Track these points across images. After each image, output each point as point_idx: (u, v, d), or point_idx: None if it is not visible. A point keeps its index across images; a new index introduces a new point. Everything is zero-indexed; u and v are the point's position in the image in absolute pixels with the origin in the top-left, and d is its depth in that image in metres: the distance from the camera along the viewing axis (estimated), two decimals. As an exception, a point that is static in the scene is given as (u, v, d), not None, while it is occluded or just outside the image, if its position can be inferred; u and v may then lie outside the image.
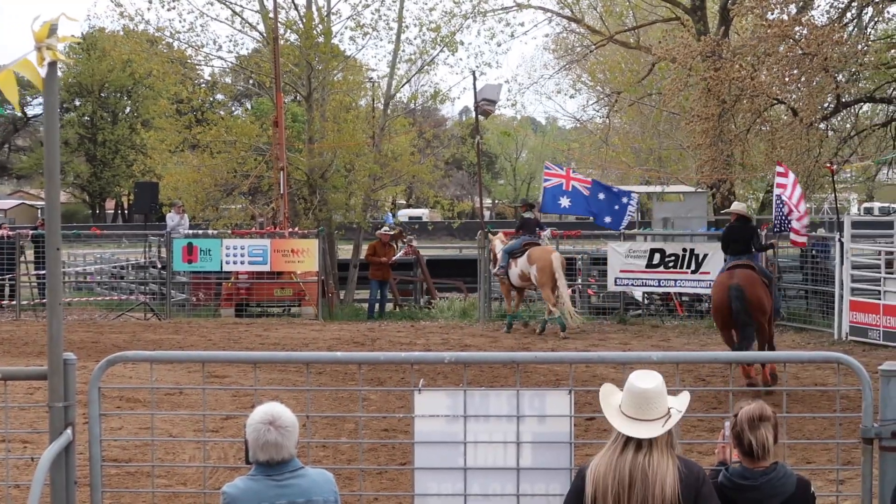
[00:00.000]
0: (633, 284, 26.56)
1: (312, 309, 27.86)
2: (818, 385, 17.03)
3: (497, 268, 25.44)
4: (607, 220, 27.08)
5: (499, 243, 25.85)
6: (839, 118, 28.41)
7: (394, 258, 29.51)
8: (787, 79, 25.46)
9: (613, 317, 27.10)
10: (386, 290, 29.32)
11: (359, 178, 33.40)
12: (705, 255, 25.34)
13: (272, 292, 28.32)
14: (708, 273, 24.99)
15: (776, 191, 22.13)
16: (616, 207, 26.97)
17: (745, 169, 30.78)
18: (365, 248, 31.75)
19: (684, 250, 25.61)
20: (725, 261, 18.85)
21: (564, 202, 26.84)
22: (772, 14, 25.57)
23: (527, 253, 24.36)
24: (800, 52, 24.43)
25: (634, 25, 39.70)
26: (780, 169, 22.42)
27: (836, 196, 24.44)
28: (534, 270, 23.99)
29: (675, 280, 25.80)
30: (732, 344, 18.06)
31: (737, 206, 19.16)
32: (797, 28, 24.82)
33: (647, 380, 5.99)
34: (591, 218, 28.08)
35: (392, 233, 30.29)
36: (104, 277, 35.18)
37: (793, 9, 26.01)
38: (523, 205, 27.22)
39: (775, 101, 26.51)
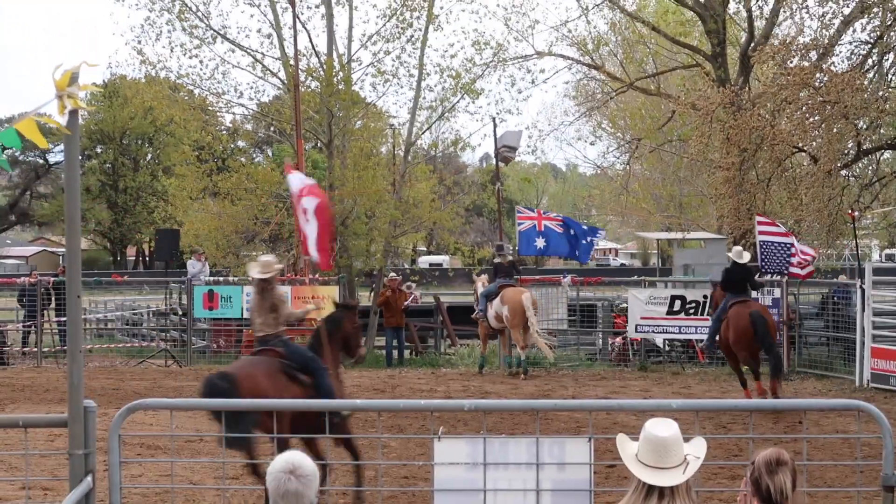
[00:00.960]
0: (653, 331, 26.56)
1: (333, 356, 27.79)
2: (839, 432, 16.97)
3: (476, 311, 26.00)
4: (577, 253, 27.62)
5: (480, 286, 26.24)
6: (860, 165, 28.41)
7: (406, 303, 29.67)
8: (807, 126, 25.50)
9: (634, 363, 27.04)
10: (402, 336, 29.38)
11: (379, 224, 33.34)
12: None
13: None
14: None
15: (760, 238, 22.91)
16: (584, 242, 27.44)
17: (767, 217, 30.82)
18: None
19: (705, 297, 25.54)
20: (724, 300, 20.11)
21: (540, 243, 27.25)
22: (792, 61, 25.65)
23: (500, 294, 24.93)
24: (820, 99, 24.48)
25: (655, 72, 39.80)
26: (760, 218, 23.22)
27: (857, 243, 24.40)
28: (505, 311, 24.61)
29: (696, 327, 25.72)
30: (742, 374, 19.53)
31: (736, 251, 20.15)
32: (818, 75, 24.89)
33: (663, 428, 5.96)
34: (572, 258, 28.71)
35: (398, 279, 30.47)
36: (125, 324, 35.22)
37: (813, 55, 26.06)
38: (497, 251, 27.79)
39: (795, 150, 26.53)
